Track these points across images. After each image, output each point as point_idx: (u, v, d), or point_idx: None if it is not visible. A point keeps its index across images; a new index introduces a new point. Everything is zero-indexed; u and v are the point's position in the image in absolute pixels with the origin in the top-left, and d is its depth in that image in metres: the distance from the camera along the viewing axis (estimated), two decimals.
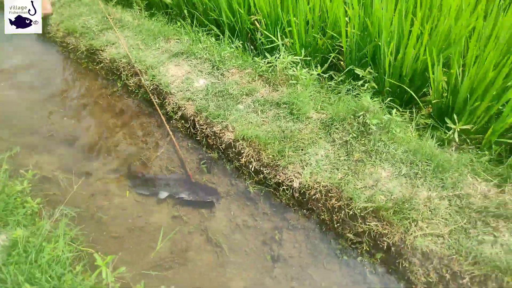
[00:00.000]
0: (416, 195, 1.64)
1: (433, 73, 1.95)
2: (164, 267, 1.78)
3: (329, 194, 1.74)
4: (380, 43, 2.14)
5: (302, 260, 1.76)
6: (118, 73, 2.64)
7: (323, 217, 1.77)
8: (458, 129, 1.90)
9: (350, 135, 1.91)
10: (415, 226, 1.56)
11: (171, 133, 2.25)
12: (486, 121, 1.95)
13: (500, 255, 1.43)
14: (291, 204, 1.88)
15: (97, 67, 2.82)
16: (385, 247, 1.61)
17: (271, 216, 1.91)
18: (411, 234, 1.55)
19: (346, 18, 2.31)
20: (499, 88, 1.82)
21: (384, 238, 1.59)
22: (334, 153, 1.87)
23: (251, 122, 2.06)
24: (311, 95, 2.17)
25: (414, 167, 1.76)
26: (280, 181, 1.86)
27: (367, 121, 1.90)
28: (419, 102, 2.08)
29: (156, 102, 2.34)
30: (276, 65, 2.34)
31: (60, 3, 3.38)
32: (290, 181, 1.83)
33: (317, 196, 1.77)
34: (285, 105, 2.12)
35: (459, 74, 1.93)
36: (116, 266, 1.62)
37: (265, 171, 1.91)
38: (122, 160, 2.23)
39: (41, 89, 2.77)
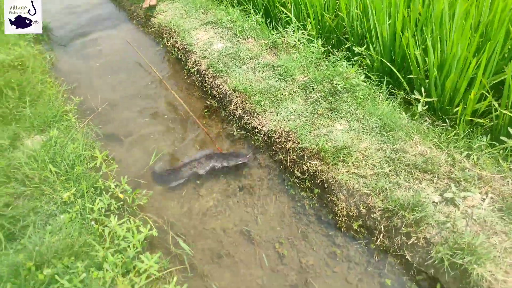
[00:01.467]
0: (357, 144, 1.87)
1: (408, 49, 2.12)
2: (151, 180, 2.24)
3: (288, 138, 2.04)
4: (376, 23, 2.35)
5: (260, 192, 2.08)
6: (162, 35, 3.19)
7: (281, 157, 2.08)
8: (424, 101, 2.06)
9: (321, 94, 2.18)
10: (345, 167, 1.80)
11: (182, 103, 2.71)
12: (458, 100, 2.07)
13: (407, 197, 1.61)
14: (261, 146, 2.22)
15: (149, 30, 3.43)
16: (320, 183, 1.87)
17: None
18: (340, 172, 1.79)
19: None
20: (465, 67, 1.94)
21: (320, 175, 1.86)
22: (303, 107, 2.16)
23: (246, 79, 2.43)
24: (303, 63, 2.46)
25: (366, 124, 1.97)
26: (254, 126, 2.20)
27: (338, 83, 2.15)
28: (400, 77, 2.25)
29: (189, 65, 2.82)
30: (285, 38, 2.67)
31: None
32: (262, 126, 2.17)
33: (279, 139, 2.08)
34: (278, 68, 2.45)
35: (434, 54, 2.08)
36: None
37: (245, 117, 2.27)
38: (152, 105, 2.76)
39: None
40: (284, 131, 2.07)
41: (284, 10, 2.93)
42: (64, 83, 2.89)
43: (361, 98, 2.10)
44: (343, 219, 1.77)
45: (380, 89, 2.22)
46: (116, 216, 1.73)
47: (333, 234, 1.78)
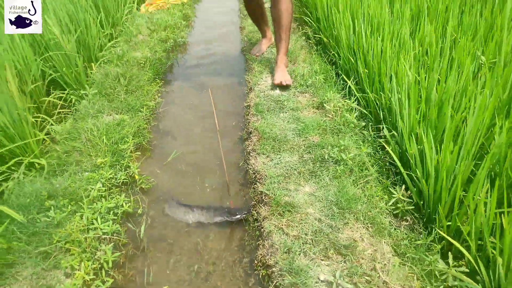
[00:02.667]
0: (304, 208, 2.01)
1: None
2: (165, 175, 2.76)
3: (262, 182, 2.29)
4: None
5: None
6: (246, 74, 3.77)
7: (252, 196, 2.33)
8: (399, 198, 2.03)
9: (312, 156, 2.35)
10: (279, 220, 1.96)
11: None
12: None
13: (299, 266, 1.70)
14: (249, 181, 2.50)
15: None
16: (258, 227, 2.07)
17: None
18: (273, 223, 1.97)
19: None
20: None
21: (261, 220, 2.06)
22: (293, 162, 2.36)
23: (273, 124, 2.74)
24: (327, 127, 2.63)
25: (327, 195, 2.08)
26: (249, 163, 2.51)
27: (330, 152, 2.28)
28: (402, 169, 2.22)
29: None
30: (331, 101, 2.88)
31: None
32: (254, 166, 2.46)
33: (258, 180, 2.34)
34: (302, 123, 2.68)
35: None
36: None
37: (251, 154, 2.59)
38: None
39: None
40: (264, 175, 2.32)
41: (345, 77, 3.12)
42: (163, 87, 3.73)
43: (340, 172, 2.19)
44: (259, 264, 1.94)
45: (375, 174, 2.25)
46: (104, 186, 2.31)
47: (249, 272, 1.96)
